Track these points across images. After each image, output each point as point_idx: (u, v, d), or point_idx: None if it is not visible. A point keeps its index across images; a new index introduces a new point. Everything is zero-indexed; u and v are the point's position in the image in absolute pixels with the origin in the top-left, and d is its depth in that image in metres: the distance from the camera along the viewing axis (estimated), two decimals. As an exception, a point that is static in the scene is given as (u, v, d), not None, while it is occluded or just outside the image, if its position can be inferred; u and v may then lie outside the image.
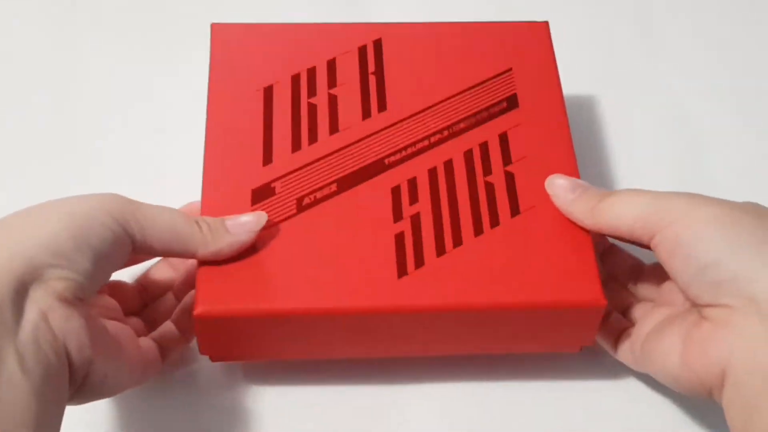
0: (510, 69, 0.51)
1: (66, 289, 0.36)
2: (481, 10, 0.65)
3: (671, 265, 0.41)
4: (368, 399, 0.48)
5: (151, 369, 0.44)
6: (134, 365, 0.42)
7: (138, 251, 0.40)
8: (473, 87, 0.50)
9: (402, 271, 0.43)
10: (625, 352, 0.45)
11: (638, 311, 0.47)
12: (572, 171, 0.47)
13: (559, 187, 0.45)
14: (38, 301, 0.35)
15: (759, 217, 0.40)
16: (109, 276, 0.40)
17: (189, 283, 0.47)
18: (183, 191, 0.48)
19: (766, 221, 0.40)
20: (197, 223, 0.42)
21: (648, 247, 0.42)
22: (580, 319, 0.44)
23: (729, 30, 0.67)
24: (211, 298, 0.41)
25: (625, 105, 0.62)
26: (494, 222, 0.45)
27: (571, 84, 0.55)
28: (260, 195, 0.45)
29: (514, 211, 0.45)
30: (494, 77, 0.50)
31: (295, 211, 0.45)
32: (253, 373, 0.48)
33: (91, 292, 0.38)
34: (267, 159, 0.46)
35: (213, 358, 0.45)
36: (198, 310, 0.41)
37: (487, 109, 0.49)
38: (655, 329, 0.43)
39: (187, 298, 0.46)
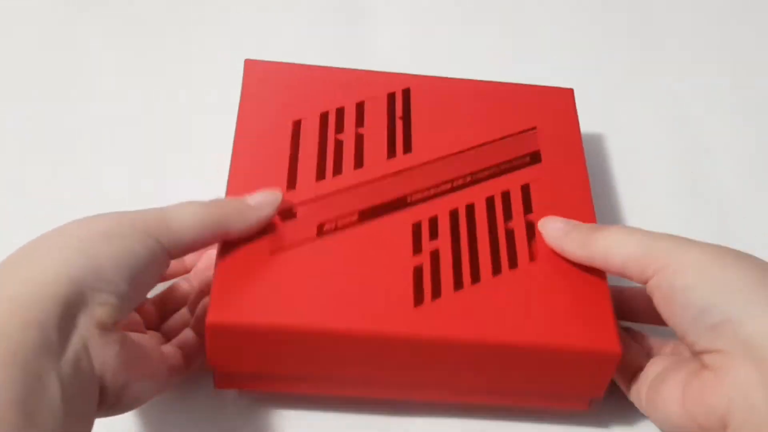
0: (534, 127, 0.51)
1: (106, 315, 0.36)
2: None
3: (668, 314, 0.41)
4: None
5: (176, 375, 0.43)
6: (160, 374, 0.41)
7: (175, 257, 0.41)
8: (498, 140, 0.51)
9: (418, 300, 0.43)
10: (635, 395, 0.45)
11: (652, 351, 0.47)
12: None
13: (550, 223, 0.46)
14: (81, 328, 0.35)
15: (745, 260, 0.40)
16: (146, 295, 0.40)
17: (203, 295, 0.47)
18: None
19: (753, 264, 0.40)
20: (219, 205, 0.43)
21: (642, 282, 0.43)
22: (593, 366, 0.43)
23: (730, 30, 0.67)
24: (225, 308, 0.41)
25: (624, 105, 0.63)
26: (512, 264, 0.45)
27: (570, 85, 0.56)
28: (282, 217, 0.45)
29: (533, 256, 0.45)
30: (519, 133, 0.51)
31: (314, 235, 0.45)
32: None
33: (127, 314, 0.38)
34: (291, 184, 0.47)
35: (217, 380, 0.44)
36: (210, 318, 0.41)
37: (510, 161, 0.50)
38: (659, 377, 0.43)
39: (202, 304, 0.46)
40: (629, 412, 0.46)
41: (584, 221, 0.47)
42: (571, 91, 0.54)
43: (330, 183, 0.47)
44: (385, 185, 0.47)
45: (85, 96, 0.59)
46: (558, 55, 0.65)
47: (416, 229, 0.46)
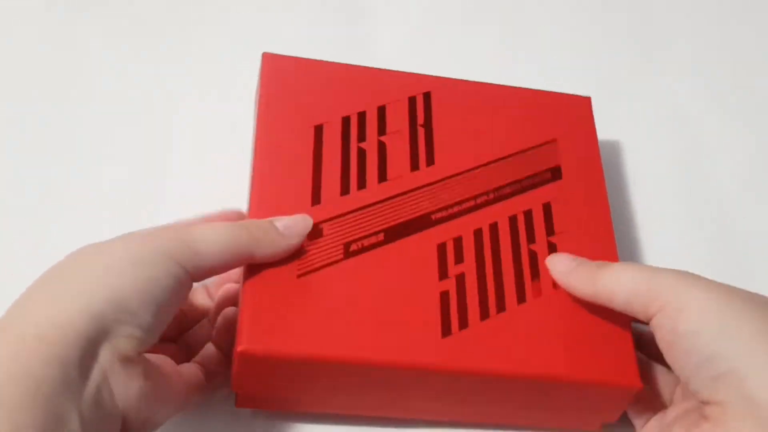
0: (554, 140, 0.51)
1: (130, 348, 0.36)
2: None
3: (671, 358, 0.41)
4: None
5: (196, 393, 0.43)
6: (179, 395, 0.41)
7: (198, 281, 0.40)
8: (519, 153, 0.51)
9: (446, 331, 0.43)
10: None
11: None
12: (611, 249, 0.48)
13: (557, 259, 0.46)
14: (103, 362, 0.35)
15: (752, 303, 0.39)
16: (169, 321, 0.39)
17: (223, 305, 0.46)
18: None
19: (760, 307, 0.39)
20: (247, 228, 0.41)
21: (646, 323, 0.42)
22: (612, 397, 0.45)
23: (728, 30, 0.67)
24: (256, 337, 0.41)
25: (624, 106, 0.63)
26: (537, 292, 0.45)
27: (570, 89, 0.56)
28: (310, 235, 0.44)
29: (555, 283, 0.46)
30: (539, 146, 0.51)
31: (342, 256, 0.44)
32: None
33: (152, 344, 0.37)
34: (315, 198, 0.46)
35: (239, 401, 0.44)
36: (241, 348, 0.40)
37: (531, 177, 0.50)
38: (667, 427, 0.43)
39: (223, 316, 0.45)
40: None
41: (603, 241, 0.48)
42: (588, 100, 0.54)
43: (355, 198, 0.46)
44: (409, 201, 0.47)
45: (85, 96, 0.59)
46: (558, 55, 0.65)
47: (441, 250, 0.46)
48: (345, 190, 0.47)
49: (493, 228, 0.47)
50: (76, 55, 0.61)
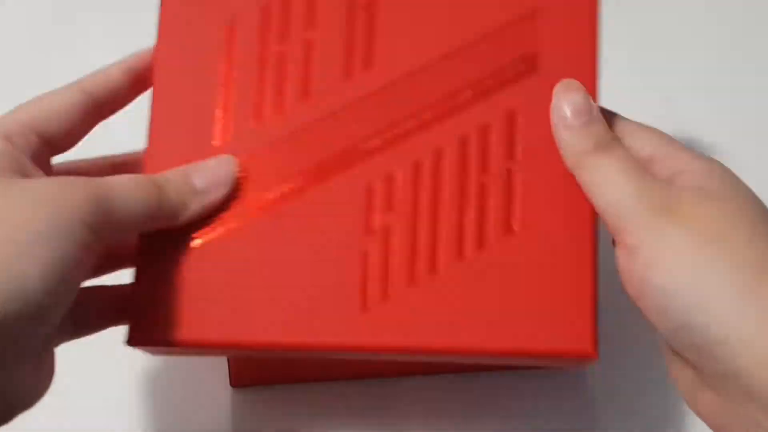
0: (534, 12, 0.39)
1: (36, 347, 0.32)
2: None
3: (642, 307, 0.34)
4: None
5: None
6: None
7: (104, 244, 0.34)
8: (484, 37, 0.39)
9: (363, 305, 0.37)
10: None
11: None
12: None
13: (567, 101, 0.37)
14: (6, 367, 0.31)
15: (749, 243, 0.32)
16: (73, 297, 0.34)
17: None
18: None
19: (754, 243, 0.32)
20: (161, 186, 0.36)
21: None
22: (566, 363, 0.40)
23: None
24: (144, 328, 0.37)
25: (618, 101, 0.62)
26: (479, 243, 0.37)
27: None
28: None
29: (506, 228, 0.37)
30: (510, 24, 0.39)
31: (253, 211, 0.38)
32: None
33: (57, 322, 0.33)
34: (225, 131, 0.39)
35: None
36: (129, 342, 0.37)
37: (494, 74, 0.39)
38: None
39: None
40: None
41: None
42: None
43: (270, 125, 0.38)
44: (335, 126, 0.38)
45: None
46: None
47: (368, 194, 0.38)
48: (258, 115, 0.39)
49: (436, 157, 0.38)
50: (77, 55, 0.61)
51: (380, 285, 0.37)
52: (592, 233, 0.37)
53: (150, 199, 0.35)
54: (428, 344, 0.37)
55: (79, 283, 0.34)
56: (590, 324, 0.37)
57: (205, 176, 0.37)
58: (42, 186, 0.34)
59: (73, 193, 0.33)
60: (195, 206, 0.37)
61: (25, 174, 0.35)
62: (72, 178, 0.35)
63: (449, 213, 0.38)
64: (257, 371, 0.45)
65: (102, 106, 0.39)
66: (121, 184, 0.35)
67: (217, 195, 0.37)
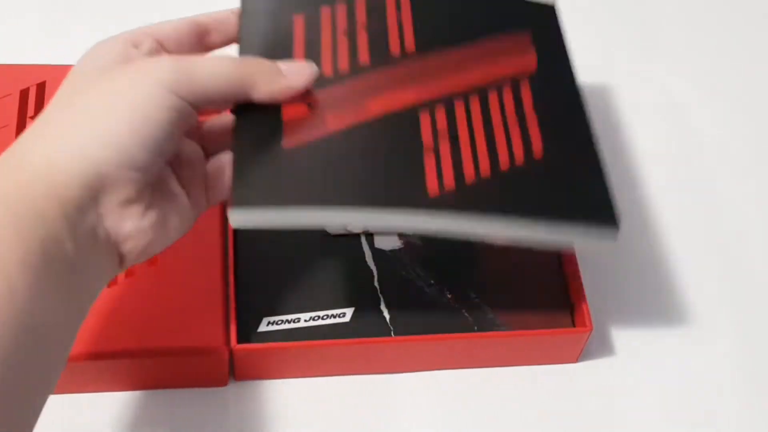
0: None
1: (128, 192, 0.36)
2: None
3: None
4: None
5: (197, 214, 0.42)
6: (184, 217, 0.41)
7: (199, 111, 0.39)
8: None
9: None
10: None
11: None
12: None
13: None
14: (101, 208, 0.36)
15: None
16: (170, 155, 0.39)
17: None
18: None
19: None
20: (248, 63, 0.40)
21: None
22: (203, 363, 0.46)
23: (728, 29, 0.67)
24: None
25: (616, 98, 0.63)
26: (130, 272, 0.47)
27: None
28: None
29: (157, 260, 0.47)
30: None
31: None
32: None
33: (151, 181, 0.38)
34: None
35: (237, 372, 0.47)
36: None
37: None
38: None
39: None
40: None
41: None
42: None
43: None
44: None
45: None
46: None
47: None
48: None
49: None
50: (76, 54, 0.61)
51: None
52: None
53: (232, 70, 0.39)
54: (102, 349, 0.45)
55: (172, 143, 0.38)
56: (219, 322, 0.46)
57: (289, 64, 0.41)
58: (135, 63, 0.39)
59: (158, 62, 0.38)
60: (276, 85, 0.40)
61: None
62: (155, 57, 0.40)
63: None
64: (258, 365, 0.47)
65: (210, 30, 0.44)
66: (205, 58, 0.39)
67: (299, 81, 0.41)
